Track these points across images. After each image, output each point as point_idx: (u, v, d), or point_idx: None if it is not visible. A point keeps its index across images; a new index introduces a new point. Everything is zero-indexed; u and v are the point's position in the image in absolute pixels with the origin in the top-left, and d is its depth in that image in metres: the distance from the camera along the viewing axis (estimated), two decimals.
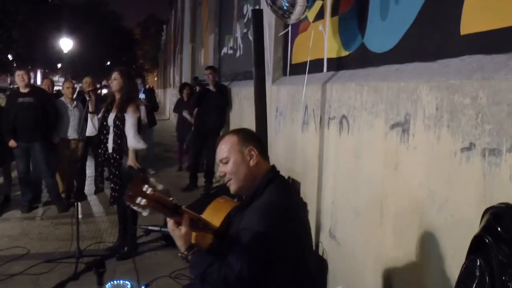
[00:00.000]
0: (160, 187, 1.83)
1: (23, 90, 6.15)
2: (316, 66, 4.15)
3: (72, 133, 6.60)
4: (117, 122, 4.58)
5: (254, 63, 3.90)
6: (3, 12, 10.76)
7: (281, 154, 4.83)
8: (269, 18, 5.23)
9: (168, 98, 26.86)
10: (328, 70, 3.96)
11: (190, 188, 7.77)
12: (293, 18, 3.61)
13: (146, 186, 1.76)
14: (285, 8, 3.44)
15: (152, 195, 1.76)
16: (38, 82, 30.34)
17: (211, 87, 7.60)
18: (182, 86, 9.94)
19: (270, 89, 5.34)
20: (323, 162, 3.70)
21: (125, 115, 4.60)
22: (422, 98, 2.35)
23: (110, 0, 55.18)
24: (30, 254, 4.75)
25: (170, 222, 1.92)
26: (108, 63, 40.24)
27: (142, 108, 8.93)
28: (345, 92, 3.32)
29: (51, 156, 6.46)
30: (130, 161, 4.53)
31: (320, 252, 3.71)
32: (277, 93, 5.07)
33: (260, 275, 1.81)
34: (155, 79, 61.61)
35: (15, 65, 20.70)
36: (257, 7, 5.59)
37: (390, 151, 2.67)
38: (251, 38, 6.69)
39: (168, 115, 23.13)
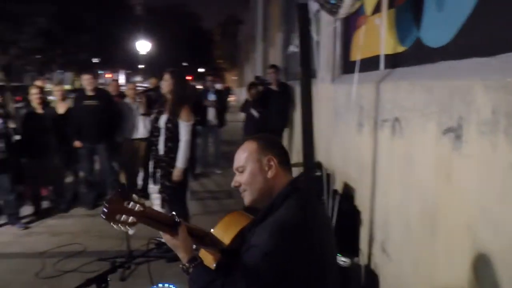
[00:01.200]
0: (148, 203, 1.69)
1: (89, 93, 6.36)
2: (373, 63, 3.84)
3: (134, 133, 6.72)
4: (169, 125, 4.54)
5: (300, 62, 3.66)
6: (72, 17, 11.43)
7: (338, 158, 4.55)
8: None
9: (244, 97, 26.99)
10: (385, 67, 3.64)
11: None
12: (342, 12, 3.34)
13: (131, 203, 1.63)
14: (332, 1, 3.18)
15: (141, 211, 1.63)
16: (123, 82, 32.28)
17: (273, 87, 7.43)
18: (250, 85, 9.85)
19: (328, 88, 5.08)
20: (376, 169, 3.39)
21: (179, 121, 4.54)
22: (477, 100, 2.02)
23: (191, 2, 56.98)
24: (86, 252, 4.86)
25: (165, 235, 1.77)
26: (186, 64, 41.47)
27: (211, 110, 9.06)
28: (398, 92, 3.01)
29: (115, 155, 6.64)
30: (176, 177, 4.52)
31: (372, 266, 3.41)
32: (335, 92, 4.79)
33: None
34: (234, 78, 62.52)
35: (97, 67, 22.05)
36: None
37: (442, 160, 2.34)
38: (313, 35, 6.44)
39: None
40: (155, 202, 6.57)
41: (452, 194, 2.24)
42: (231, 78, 64.27)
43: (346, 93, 4.38)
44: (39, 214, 6.21)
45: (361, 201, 3.73)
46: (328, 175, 4.39)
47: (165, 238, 1.77)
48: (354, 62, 4.55)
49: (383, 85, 3.31)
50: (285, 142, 7.85)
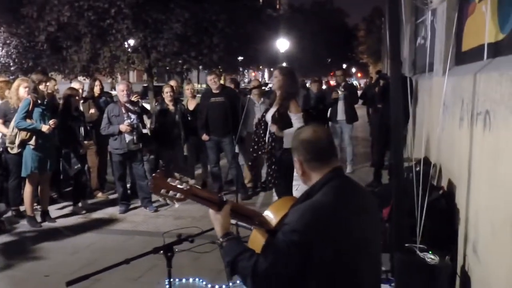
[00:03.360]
0: (192, 181, 1.91)
1: (215, 91, 6.88)
2: (479, 53, 3.61)
3: None
4: (276, 117, 4.72)
5: (389, 54, 3.59)
6: (204, 21, 12.37)
7: (444, 154, 4.33)
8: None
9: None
10: (487, 57, 3.40)
11: (373, 185, 7.49)
12: (436, 2, 3.21)
13: (177, 181, 1.85)
14: None
15: (188, 189, 1.86)
16: (267, 79, 33.77)
17: None
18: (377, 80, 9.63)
19: (439, 82, 4.83)
20: (471, 165, 3.20)
21: (290, 114, 4.69)
22: None
23: None
24: (203, 235, 5.30)
25: (211, 210, 1.99)
26: (329, 60, 41.47)
27: (340, 105, 9.05)
28: (489, 83, 2.81)
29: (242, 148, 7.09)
30: (273, 128, 4.65)
31: (466, 268, 3.23)
32: (444, 86, 4.55)
33: (293, 275, 1.71)
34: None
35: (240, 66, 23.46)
36: None
37: None
38: (436, 26, 6.12)
39: None
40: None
41: None
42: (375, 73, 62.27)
43: (452, 86, 4.16)
44: None
45: (459, 199, 3.54)
46: (431, 171, 4.20)
47: (210, 213, 2.00)
48: (466, 53, 4.30)
49: (478, 76, 3.11)
50: (408, 137, 7.56)
